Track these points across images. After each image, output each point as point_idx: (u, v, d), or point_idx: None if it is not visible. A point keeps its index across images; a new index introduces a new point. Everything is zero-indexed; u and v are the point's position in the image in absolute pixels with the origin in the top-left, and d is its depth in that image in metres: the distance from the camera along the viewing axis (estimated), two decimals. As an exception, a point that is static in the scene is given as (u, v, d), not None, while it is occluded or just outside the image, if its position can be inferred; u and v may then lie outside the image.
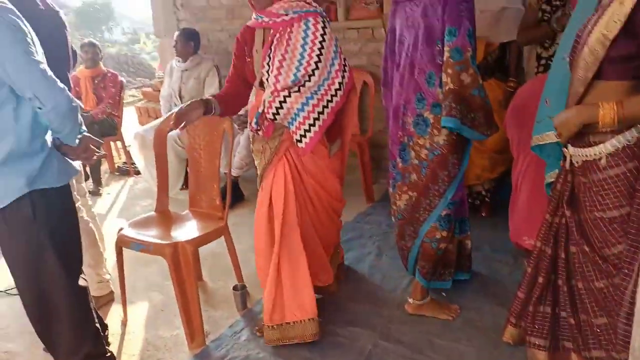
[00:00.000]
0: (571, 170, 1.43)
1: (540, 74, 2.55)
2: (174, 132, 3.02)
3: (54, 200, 1.52)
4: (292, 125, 1.78)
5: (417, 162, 1.93)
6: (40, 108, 1.41)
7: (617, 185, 1.30)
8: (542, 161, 1.72)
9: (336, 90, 1.79)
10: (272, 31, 1.82)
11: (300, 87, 1.75)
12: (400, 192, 2.03)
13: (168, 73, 4.00)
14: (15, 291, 2.41)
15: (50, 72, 1.43)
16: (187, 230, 2.16)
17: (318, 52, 1.75)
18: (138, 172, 4.25)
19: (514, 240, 2.15)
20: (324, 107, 1.78)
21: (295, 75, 1.75)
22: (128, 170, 4.61)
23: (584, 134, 1.34)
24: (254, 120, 1.82)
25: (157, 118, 4.56)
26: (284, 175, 1.86)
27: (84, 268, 1.69)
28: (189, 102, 1.85)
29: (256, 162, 1.98)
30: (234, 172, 3.49)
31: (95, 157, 1.62)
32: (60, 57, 1.90)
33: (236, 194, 3.54)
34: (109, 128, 4.32)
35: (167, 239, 2.05)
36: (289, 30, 1.78)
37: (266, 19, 1.80)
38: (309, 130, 1.77)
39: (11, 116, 1.42)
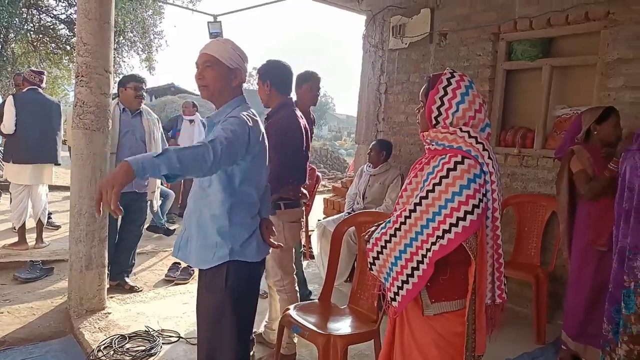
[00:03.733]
0: None
1: None
2: (352, 228, 3.26)
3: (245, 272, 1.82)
4: (387, 280, 1.57)
5: None
6: None
7: None
8: None
9: (438, 237, 1.43)
10: (422, 158, 1.65)
11: (397, 232, 1.52)
12: (621, 342, 1.91)
13: (358, 175, 4.42)
14: (194, 340, 2.85)
15: None
16: (342, 325, 2.27)
17: (430, 189, 1.46)
18: (312, 257, 4.62)
19: None
20: (421, 257, 1.47)
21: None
22: (304, 253, 5.04)
23: None
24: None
25: (340, 212, 4.97)
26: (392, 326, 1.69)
27: None
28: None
29: None
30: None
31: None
32: None
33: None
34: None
35: (322, 329, 2.18)
36: (426, 161, 1.58)
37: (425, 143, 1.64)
38: (402, 288, 1.52)
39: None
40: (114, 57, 13.70)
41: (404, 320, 1.61)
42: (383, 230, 1.57)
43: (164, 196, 5.27)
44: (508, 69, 3.89)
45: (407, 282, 1.50)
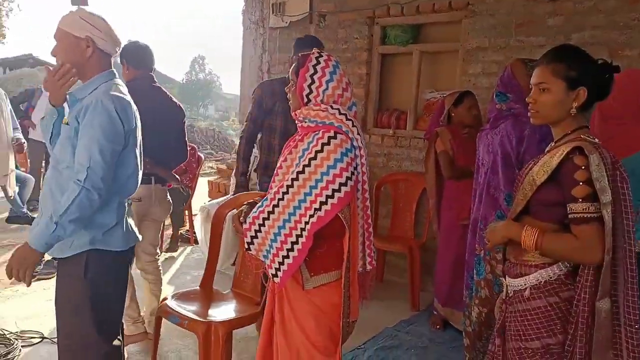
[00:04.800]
0: (506, 300, 1.53)
1: None
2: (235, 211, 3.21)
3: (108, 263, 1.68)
4: (267, 258, 1.59)
5: (491, 277, 1.98)
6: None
7: (539, 317, 1.39)
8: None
9: (316, 209, 1.46)
10: (295, 135, 1.68)
11: (275, 208, 1.53)
12: (473, 305, 2.15)
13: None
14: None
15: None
16: (224, 310, 2.22)
17: (306, 163, 1.48)
18: (197, 242, 4.46)
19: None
20: (299, 231, 1.49)
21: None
22: (189, 238, 4.85)
23: (515, 265, 1.48)
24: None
25: (225, 194, 4.86)
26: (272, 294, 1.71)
27: None
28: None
29: None
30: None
31: None
32: None
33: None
34: (181, 198, 4.65)
35: (202, 316, 2.12)
36: (300, 138, 1.61)
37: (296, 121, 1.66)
38: (283, 263, 1.53)
39: None
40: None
41: (283, 297, 1.64)
42: (261, 209, 1.57)
43: (21, 182, 4.66)
44: (383, 52, 4.08)
45: (287, 257, 1.52)
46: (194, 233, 4.61)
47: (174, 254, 4.51)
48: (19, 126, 3.66)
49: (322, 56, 1.60)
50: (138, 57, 2.64)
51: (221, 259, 4.00)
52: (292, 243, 1.51)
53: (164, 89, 2.75)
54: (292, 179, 1.51)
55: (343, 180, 1.46)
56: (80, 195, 1.52)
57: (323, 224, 1.47)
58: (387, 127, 4.01)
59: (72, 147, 1.62)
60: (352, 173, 1.50)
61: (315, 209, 1.47)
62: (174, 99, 2.80)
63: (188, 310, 2.15)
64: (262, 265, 1.67)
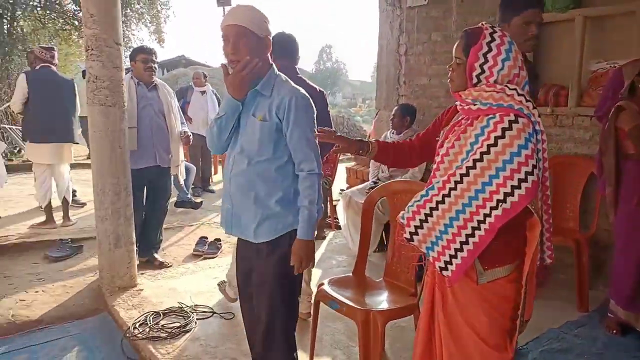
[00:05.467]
0: None
1: None
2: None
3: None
4: (432, 250, 1.48)
5: None
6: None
7: None
8: None
9: (499, 201, 1.35)
10: (460, 118, 1.58)
11: (446, 198, 1.44)
12: None
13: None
14: (228, 316, 2.85)
15: None
16: (380, 300, 2.21)
17: (484, 150, 1.37)
18: (339, 227, 4.56)
19: None
20: (476, 223, 1.39)
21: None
22: (330, 224, 4.99)
23: None
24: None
25: (364, 181, 4.88)
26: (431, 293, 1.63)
27: None
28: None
29: None
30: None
31: None
32: None
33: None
34: (325, 191, 4.80)
35: (361, 304, 2.13)
36: (469, 122, 1.49)
37: (457, 103, 1.58)
38: (456, 257, 1.43)
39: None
40: (123, 30, 13.46)
41: (446, 291, 1.54)
42: (426, 197, 1.49)
43: (186, 170, 5.24)
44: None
45: (461, 249, 1.42)
46: (336, 219, 4.71)
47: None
48: (185, 121, 4.08)
49: (496, 32, 1.46)
50: (285, 47, 2.69)
51: (358, 244, 4.07)
52: (467, 236, 1.41)
53: (304, 78, 2.79)
54: (468, 167, 1.40)
55: (529, 168, 1.33)
56: (319, 181, 1.76)
57: (510, 217, 1.34)
58: (543, 105, 3.60)
59: (273, 141, 1.74)
60: (538, 159, 1.36)
61: (499, 201, 1.35)
62: (318, 88, 2.83)
63: (345, 296, 2.18)
64: (417, 256, 1.62)
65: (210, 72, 8.57)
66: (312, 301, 2.43)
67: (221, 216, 1.93)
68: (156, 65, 3.71)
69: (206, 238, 4.26)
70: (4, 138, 8.57)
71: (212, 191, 6.76)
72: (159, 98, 3.68)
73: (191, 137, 3.94)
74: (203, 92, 6.62)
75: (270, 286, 1.80)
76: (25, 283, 3.38)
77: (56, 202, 4.78)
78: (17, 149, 8.55)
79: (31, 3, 11.91)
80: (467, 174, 1.40)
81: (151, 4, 13.43)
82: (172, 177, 3.94)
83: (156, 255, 3.83)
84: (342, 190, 5.42)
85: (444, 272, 1.47)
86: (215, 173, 7.75)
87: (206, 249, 4.13)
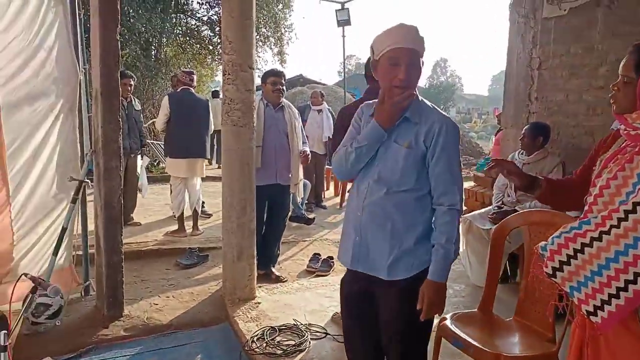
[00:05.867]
0: None
1: None
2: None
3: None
4: (579, 291, 1.29)
5: None
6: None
7: None
8: None
9: None
10: (624, 145, 1.38)
11: (604, 235, 1.24)
12: None
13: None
14: (340, 338, 2.79)
15: None
16: (512, 343, 2.00)
17: None
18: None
19: None
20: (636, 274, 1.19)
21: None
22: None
23: None
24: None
25: (484, 204, 4.56)
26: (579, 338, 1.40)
27: None
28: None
29: None
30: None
31: None
32: None
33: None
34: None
35: (490, 346, 1.93)
36: (636, 149, 1.30)
37: (621, 127, 1.38)
38: (609, 303, 1.23)
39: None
40: (251, 53, 14.49)
41: (599, 342, 1.32)
42: (578, 231, 1.29)
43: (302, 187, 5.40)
44: None
45: (616, 296, 1.22)
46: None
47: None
48: (307, 140, 4.19)
49: None
50: None
51: (478, 273, 3.76)
52: (627, 281, 1.19)
53: None
54: (635, 203, 1.19)
55: None
56: (457, 217, 1.63)
57: None
58: None
59: (417, 170, 1.64)
60: None
61: None
62: None
63: (471, 336, 2.00)
64: (555, 294, 1.41)
65: (325, 90, 8.81)
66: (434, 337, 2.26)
67: (342, 248, 1.82)
68: (284, 88, 3.88)
69: (319, 255, 4.31)
70: (147, 152, 9.68)
71: (324, 207, 6.87)
72: (284, 118, 3.83)
73: (310, 156, 4.03)
74: (319, 111, 6.79)
75: (400, 330, 1.68)
76: (159, 288, 3.71)
77: (187, 212, 5.22)
78: (157, 162, 9.58)
79: (175, 31, 13.41)
80: (634, 211, 1.19)
81: (276, 28, 14.26)
82: (291, 194, 4.06)
83: (273, 269, 3.95)
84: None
85: (592, 318, 1.27)
86: (327, 189, 7.89)
87: (319, 266, 4.17)
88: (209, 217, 5.89)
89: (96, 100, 3.06)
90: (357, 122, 1.81)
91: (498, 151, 5.96)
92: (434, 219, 1.65)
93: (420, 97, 1.72)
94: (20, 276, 2.66)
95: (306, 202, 5.99)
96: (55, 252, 2.97)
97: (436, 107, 1.74)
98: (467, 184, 5.82)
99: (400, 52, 1.58)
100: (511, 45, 4.52)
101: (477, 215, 3.95)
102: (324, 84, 18.17)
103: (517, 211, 3.59)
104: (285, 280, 3.89)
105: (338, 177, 1.89)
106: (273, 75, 3.80)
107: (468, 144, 17.71)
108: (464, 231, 3.88)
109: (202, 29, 14.11)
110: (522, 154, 3.78)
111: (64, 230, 3.02)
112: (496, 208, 3.86)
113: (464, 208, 5.41)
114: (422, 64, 1.66)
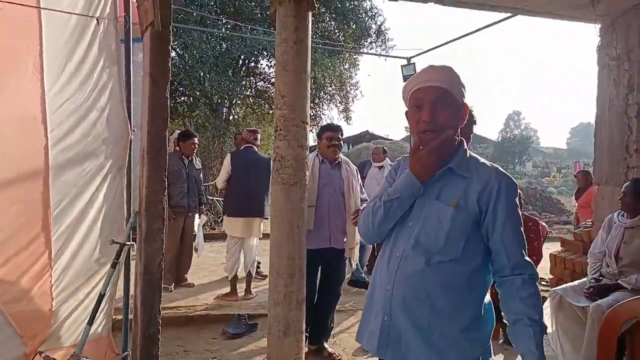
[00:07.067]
0: None
1: None
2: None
3: None
4: None
5: None
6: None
7: None
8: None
9: None
10: None
11: None
12: None
13: (605, 227, 3.37)
14: None
15: None
16: None
17: None
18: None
19: None
20: None
21: None
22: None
23: None
24: None
25: (573, 272, 3.88)
26: None
27: None
28: None
29: None
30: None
31: None
32: None
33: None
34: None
35: None
36: None
37: None
38: None
39: None
40: (315, 111, 14.69)
41: None
42: None
43: (361, 248, 4.98)
44: None
45: None
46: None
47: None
48: (367, 198, 3.84)
49: None
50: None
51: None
52: None
53: None
54: None
55: None
56: (534, 282, 1.35)
57: None
58: None
59: (466, 236, 1.34)
60: None
61: None
62: None
63: None
64: None
65: (390, 146, 8.54)
66: None
67: (365, 330, 1.47)
68: (341, 143, 3.63)
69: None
70: (211, 209, 9.79)
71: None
72: (341, 176, 3.56)
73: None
74: (380, 167, 6.47)
75: None
76: (202, 360, 3.40)
77: (242, 274, 4.97)
78: (221, 219, 9.64)
79: (244, 92, 14.00)
80: None
81: (341, 86, 14.47)
82: (347, 259, 3.68)
83: (326, 345, 3.52)
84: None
85: None
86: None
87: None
88: (265, 279, 5.60)
89: (142, 160, 2.95)
90: (392, 176, 1.52)
91: (589, 213, 5.24)
92: (510, 290, 1.35)
93: (469, 152, 1.44)
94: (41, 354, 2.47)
95: (367, 264, 5.54)
96: (90, 321, 2.78)
97: (482, 159, 1.46)
98: (553, 248, 5.09)
99: (424, 92, 1.35)
100: (601, 91, 4.00)
101: (569, 289, 3.31)
102: (390, 140, 17.98)
103: (620, 286, 2.95)
104: (340, 358, 3.44)
105: (362, 238, 1.57)
106: (329, 130, 3.58)
107: (548, 199, 16.45)
108: (553, 308, 3.26)
109: (271, 90, 14.64)
110: (623, 215, 3.19)
111: (101, 297, 2.83)
112: (593, 281, 3.23)
113: (549, 276, 4.74)
114: (462, 105, 1.38)
